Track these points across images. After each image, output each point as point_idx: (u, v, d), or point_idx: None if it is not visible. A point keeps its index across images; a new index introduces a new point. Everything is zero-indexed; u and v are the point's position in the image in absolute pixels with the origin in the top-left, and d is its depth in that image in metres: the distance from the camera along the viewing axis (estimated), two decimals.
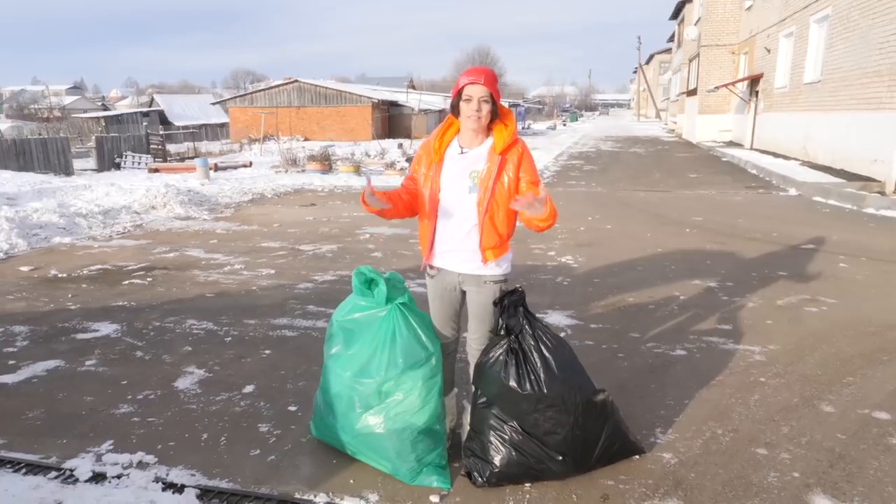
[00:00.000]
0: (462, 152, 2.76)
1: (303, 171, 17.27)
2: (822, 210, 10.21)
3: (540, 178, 2.79)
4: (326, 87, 35.77)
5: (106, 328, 4.81)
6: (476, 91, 2.63)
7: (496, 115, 2.73)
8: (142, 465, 2.91)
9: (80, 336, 4.65)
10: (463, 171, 2.74)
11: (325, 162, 17.34)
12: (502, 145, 2.70)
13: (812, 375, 3.83)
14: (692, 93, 30.01)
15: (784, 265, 6.50)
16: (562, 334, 4.60)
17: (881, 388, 3.63)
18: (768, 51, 20.63)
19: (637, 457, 2.92)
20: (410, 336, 2.68)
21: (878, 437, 3.10)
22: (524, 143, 2.81)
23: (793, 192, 12.32)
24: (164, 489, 2.72)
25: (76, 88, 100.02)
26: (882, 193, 11.02)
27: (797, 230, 8.37)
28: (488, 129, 2.76)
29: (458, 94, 2.68)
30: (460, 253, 2.80)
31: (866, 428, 3.20)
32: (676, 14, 38.92)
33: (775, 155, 18.18)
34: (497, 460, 2.66)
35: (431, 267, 2.90)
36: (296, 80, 35.75)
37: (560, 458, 2.67)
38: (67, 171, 19.27)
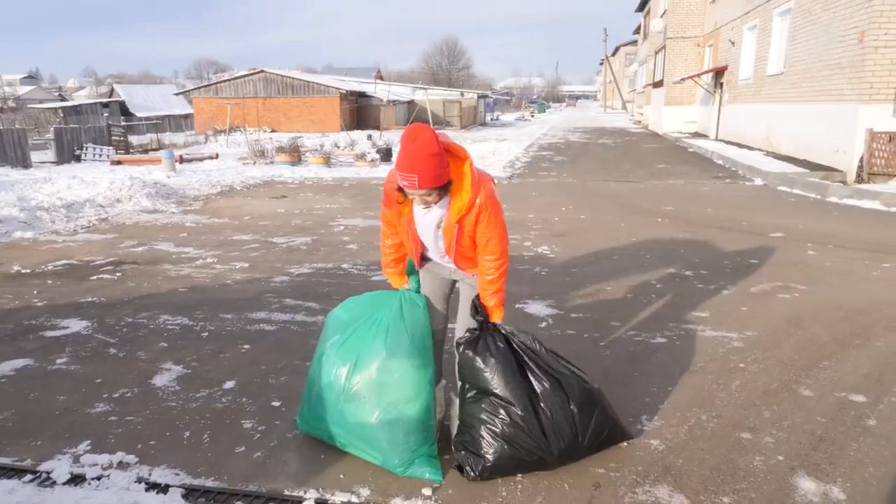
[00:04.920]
0: (426, 207, 2.66)
1: (271, 162, 17.00)
2: (788, 199, 10.44)
3: (502, 230, 2.69)
4: (293, 78, 35.23)
5: (76, 325, 4.66)
6: (414, 192, 2.51)
7: (448, 185, 2.54)
8: (122, 466, 2.83)
9: (49, 333, 4.49)
10: (430, 223, 2.71)
11: (295, 153, 17.08)
12: (458, 214, 2.58)
13: (789, 360, 3.90)
14: (658, 84, 30.38)
15: (755, 253, 6.62)
16: (542, 324, 4.62)
17: (856, 372, 3.73)
18: (732, 43, 20.97)
19: (626, 444, 2.94)
20: (405, 327, 2.65)
21: (856, 420, 3.18)
22: (486, 193, 2.59)
23: (758, 181, 12.57)
24: (147, 489, 2.65)
25: (31, 78, 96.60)
26: (844, 183, 11.32)
27: (765, 219, 8.54)
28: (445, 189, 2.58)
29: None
30: (447, 264, 2.89)
31: (844, 411, 3.27)
32: (642, 6, 39.28)
33: (740, 145, 18.53)
34: (490, 454, 2.64)
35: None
36: (262, 71, 35.12)
37: (551, 447, 2.66)
38: (25, 163, 18.61)
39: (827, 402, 3.37)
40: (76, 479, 2.73)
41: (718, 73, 22.67)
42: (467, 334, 2.87)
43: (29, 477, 2.75)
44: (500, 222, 2.68)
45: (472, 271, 2.86)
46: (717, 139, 21.95)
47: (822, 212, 9.25)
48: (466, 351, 2.76)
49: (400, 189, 2.59)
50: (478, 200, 2.57)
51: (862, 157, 11.27)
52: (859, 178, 11.30)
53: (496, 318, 2.84)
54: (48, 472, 2.76)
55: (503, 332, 2.80)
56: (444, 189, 2.54)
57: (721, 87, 22.40)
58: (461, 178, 2.56)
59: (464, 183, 2.55)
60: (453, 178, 2.55)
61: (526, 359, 2.76)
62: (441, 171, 2.46)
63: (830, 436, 3.03)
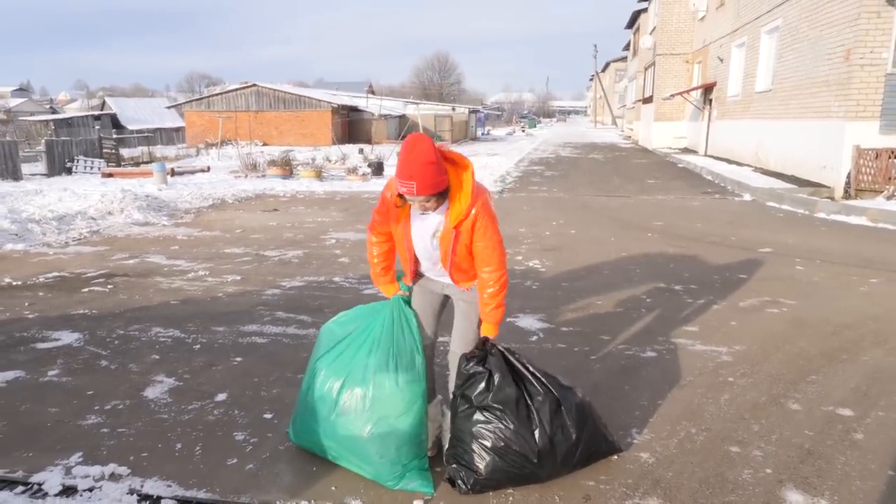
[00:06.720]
0: (423, 213, 2.72)
1: (263, 176, 17.02)
2: (777, 215, 10.56)
3: (498, 241, 2.75)
4: (285, 92, 35.39)
5: (67, 337, 4.64)
6: (413, 199, 2.56)
7: (447, 191, 2.61)
8: (114, 477, 2.82)
9: (41, 345, 4.48)
10: (427, 228, 2.75)
11: (286, 167, 17.12)
12: (456, 219, 2.64)
13: (778, 374, 3.95)
14: (648, 100, 30.69)
15: (744, 268, 6.69)
16: (533, 338, 4.65)
17: (843, 386, 3.78)
18: (721, 60, 21.26)
19: (616, 457, 2.96)
20: (396, 341, 2.68)
21: (844, 434, 3.22)
22: (483, 202, 2.67)
23: (747, 197, 12.70)
24: (139, 501, 2.65)
25: (22, 91, 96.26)
26: (832, 199, 11.46)
27: (754, 234, 8.64)
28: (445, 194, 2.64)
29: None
30: (440, 277, 2.91)
31: (831, 424, 3.31)
32: (632, 23, 39.76)
33: (729, 161, 18.71)
34: (482, 468, 2.66)
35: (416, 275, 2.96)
36: (254, 85, 35.26)
37: (542, 461, 2.68)
38: (16, 175, 18.54)
39: (815, 415, 3.41)
40: (68, 491, 2.72)
41: (707, 89, 22.94)
42: (477, 351, 2.88)
43: (21, 488, 2.74)
44: (496, 233, 2.75)
45: (467, 285, 2.87)
46: (706, 155, 22.17)
47: (810, 227, 9.36)
48: (465, 366, 2.78)
49: (400, 195, 2.64)
50: (474, 209, 2.64)
51: (849, 174, 11.43)
52: (847, 194, 11.44)
53: (491, 333, 2.83)
54: (40, 484, 2.76)
55: (501, 347, 2.82)
56: (442, 195, 2.60)
57: (710, 104, 22.67)
58: (461, 184, 2.63)
59: (464, 188, 2.63)
60: (453, 185, 2.62)
61: (522, 373, 2.79)
62: (438, 179, 2.52)
63: (818, 449, 3.07)
